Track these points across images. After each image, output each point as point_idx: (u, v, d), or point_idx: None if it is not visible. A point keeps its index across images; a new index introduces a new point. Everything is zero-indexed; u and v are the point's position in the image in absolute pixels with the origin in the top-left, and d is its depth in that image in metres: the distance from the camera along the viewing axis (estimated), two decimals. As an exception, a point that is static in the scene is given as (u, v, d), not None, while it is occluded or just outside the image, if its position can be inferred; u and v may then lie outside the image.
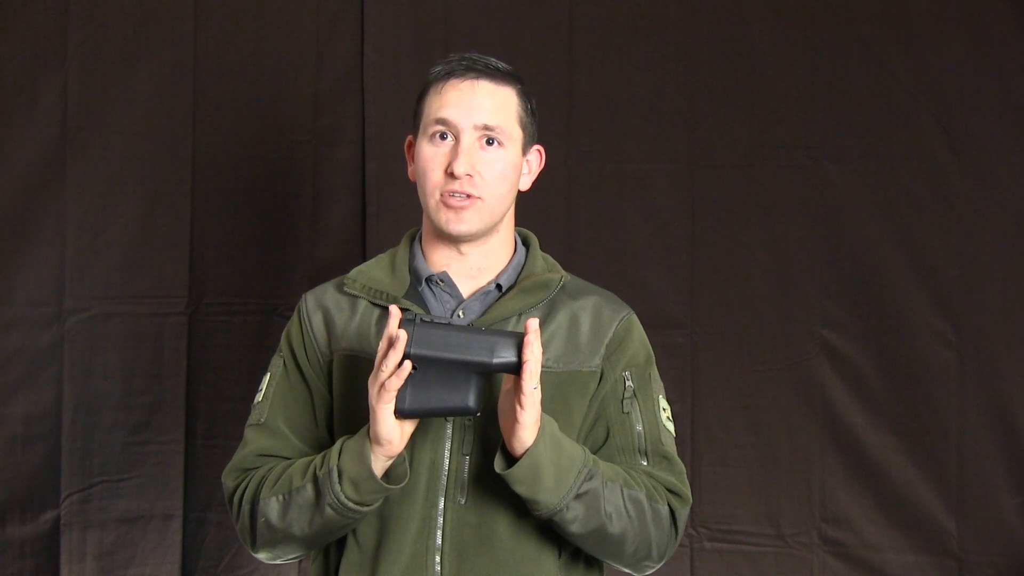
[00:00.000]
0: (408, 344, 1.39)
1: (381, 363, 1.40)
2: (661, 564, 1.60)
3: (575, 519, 1.47)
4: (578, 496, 1.45)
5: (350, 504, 1.46)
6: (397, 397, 1.40)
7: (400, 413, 1.41)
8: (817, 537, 2.63)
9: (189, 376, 2.60)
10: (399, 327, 1.40)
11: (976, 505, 2.58)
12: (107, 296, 2.56)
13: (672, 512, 1.57)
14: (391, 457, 1.44)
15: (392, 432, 1.42)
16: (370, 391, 1.42)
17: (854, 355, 2.62)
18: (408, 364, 1.39)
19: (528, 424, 1.41)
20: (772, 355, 2.65)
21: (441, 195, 1.55)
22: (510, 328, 1.55)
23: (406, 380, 1.40)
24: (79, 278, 2.54)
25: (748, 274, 2.66)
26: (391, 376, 1.39)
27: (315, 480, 1.48)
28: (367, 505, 1.47)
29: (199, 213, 2.61)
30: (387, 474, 1.46)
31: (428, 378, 1.40)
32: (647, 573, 1.61)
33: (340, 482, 1.45)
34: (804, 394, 2.64)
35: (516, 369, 1.40)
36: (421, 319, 1.41)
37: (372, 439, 1.43)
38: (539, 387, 1.40)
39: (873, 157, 2.63)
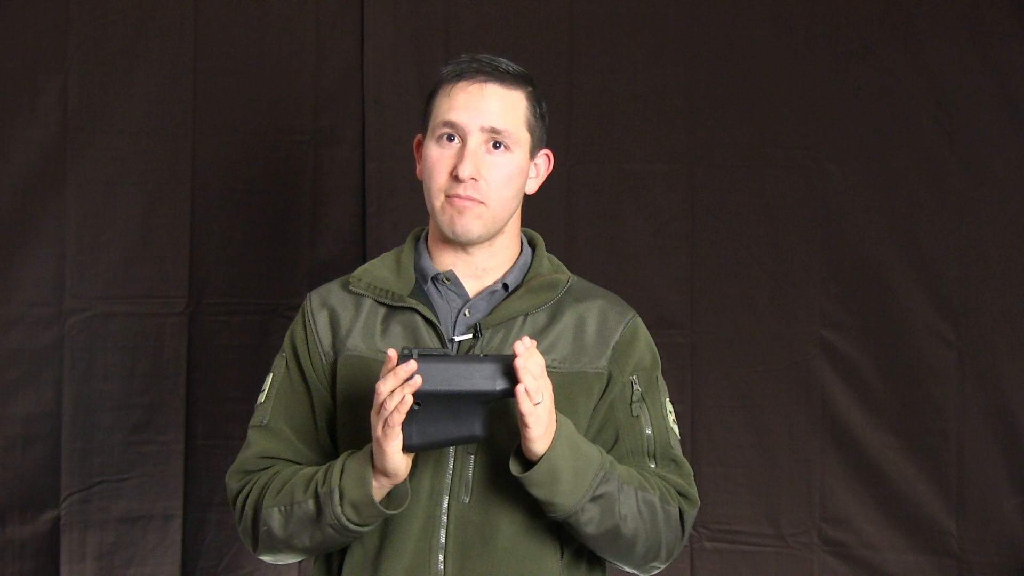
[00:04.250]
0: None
1: (385, 401, 1.39)
2: (667, 564, 1.60)
3: (590, 521, 1.47)
4: (594, 498, 1.46)
5: (350, 526, 1.46)
6: (404, 433, 1.39)
7: (408, 449, 1.41)
8: (817, 537, 2.63)
9: (189, 376, 2.59)
10: (399, 363, 1.38)
11: (976, 505, 2.58)
12: (107, 296, 2.55)
13: (681, 513, 1.58)
14: (395, 485, 1.45)
15: (399, 466, 1.42)
16: (374, 427, 1.41)
17: (854, 355, 2.62)
18: (409, 399, 1.37)
19: (536, 438, 1.41)
20: (772, 355, 2.65)
21: (446, 197, 1.55)
22: (516, 328, 1.56)
23: (412, 416, 1.39)
24: (79, 278, 2.54)
25: (748, 274, 2.66)
26: (393, 412, 1.38)
27: (316, 497, 1.48)
28: (367, 525, 1.47)
29: (199, 213, 2.60)
30: (388, 495, 1.46)
31: (433, 412, 1.39)
32: (653, 574, 1.61)
33: (341, 504, 1.45)
34: (804, 394, 2.64)
35: None
36: (419, 353, 1.39)
37: (378, 469, 1.43)
38: (546, 399, 1.40)
39: (873, 157, 2.63)
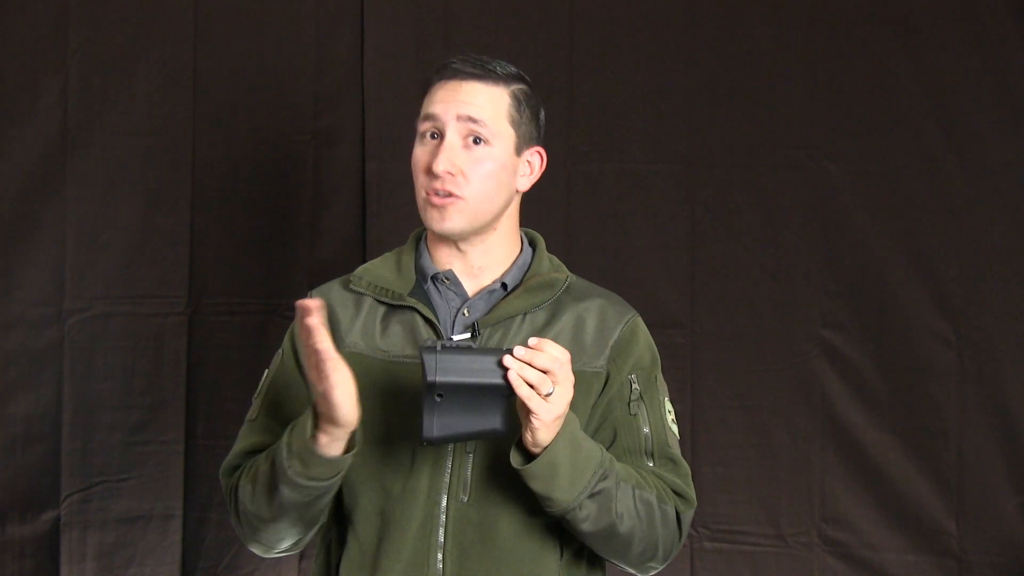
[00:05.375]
0: (433, 373, 1.37)
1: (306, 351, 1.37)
2: (664, 565, 1.60)
3: (587, 517, 1.47)
4: (592, 495, 1.46)
5: (300, 480, 1.43)
6: (424, 426, 1.39)
7: (429, 441, 1.40)
8: (817, 537, 2.63)
9: (189, 376, 2.59)
10: (420, 355, 1.38)
11: (976, 505, 2.58)
12: (107, 296, 2.55)
13: (677, 514, 1.58)
14: (349, 434, 1.42)
15: (342, 407, 1.38)
16: (309, 379, 1.39)
17: (854, 355, 2.62)
18: (326, 343, 1.35)
19: (540, 427, 1.40)
20: (772, 355, 2.65)
21: (426, 193, 1.56)
22: (514, 328, 1.56)
23: (434, 408, 1.38)
24: (79, 278, 2.53)
25: (748, 274, 2.66)
26: (315, 356, 1.36)
27: (272, 458, 1.48)
28: (318, 480, 1.44)
29: (199, 213, 2.60)
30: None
31: (454, 404, 1.39)
32: (651, 574, 1.61)
33: (288, 457, 1.44)
34: (804, 394, 2.64)
35: None
36: (442, 345, 1.39)
37: (324, 418, 1.40)
38: (563, 393, 1.39)
39: (873, 157, 2.63)
